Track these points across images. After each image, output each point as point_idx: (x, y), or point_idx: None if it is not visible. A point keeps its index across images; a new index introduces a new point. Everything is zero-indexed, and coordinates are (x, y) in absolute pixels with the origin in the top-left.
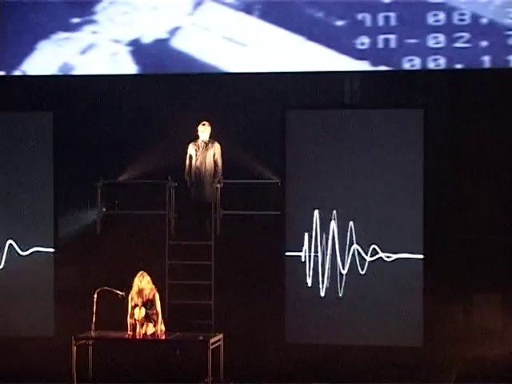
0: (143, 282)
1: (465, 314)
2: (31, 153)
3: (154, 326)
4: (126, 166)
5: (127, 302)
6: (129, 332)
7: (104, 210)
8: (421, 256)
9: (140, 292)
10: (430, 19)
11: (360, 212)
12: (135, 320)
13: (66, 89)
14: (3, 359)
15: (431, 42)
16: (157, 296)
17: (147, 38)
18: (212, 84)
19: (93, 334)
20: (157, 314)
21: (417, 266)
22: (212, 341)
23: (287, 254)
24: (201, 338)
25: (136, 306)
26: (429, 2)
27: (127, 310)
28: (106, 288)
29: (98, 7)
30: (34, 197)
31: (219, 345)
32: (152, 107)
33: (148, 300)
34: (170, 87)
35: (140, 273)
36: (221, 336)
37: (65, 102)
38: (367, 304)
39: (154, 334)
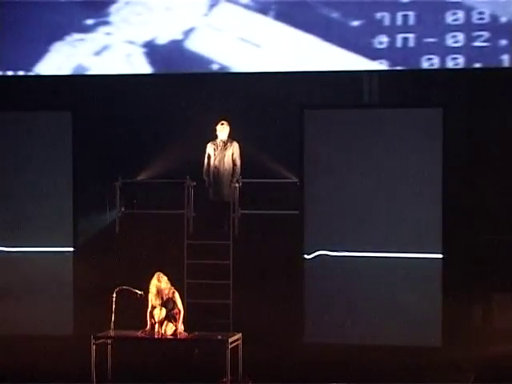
0: (162, 283)
1: (484, 313)
2: (50, 152)
3: (175, 324)
4: (145, 165)
5: (146, 301)
6: (146, 330)
7: (123, 209)
8: (440, 256)
9: (159, 293)
10: (449, 18)
11: (378, 211)
12: (154, 321)
13: (85, 89)
14: (23, 357)
15: (450, 41)
16: (177, 294)
17: (162, 39)
18: (231, 84)
19: (112, 333)
20: (179, 312)
21: (436, 265)
22: (230, 340)
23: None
24: (219, 337)
25: (154, 307)
26: (448, 1)
27: (146, 310)
28: (125, 287)
29: (113, 8)
30: (54, 196)
31: (238, 344)
32: (170, 107)
33: (168, 299)
34: (188, 87)
35: (157, 274)
36: (239, 335)
37: (84, 101)
38: (385, 304)
39: (173, 333)
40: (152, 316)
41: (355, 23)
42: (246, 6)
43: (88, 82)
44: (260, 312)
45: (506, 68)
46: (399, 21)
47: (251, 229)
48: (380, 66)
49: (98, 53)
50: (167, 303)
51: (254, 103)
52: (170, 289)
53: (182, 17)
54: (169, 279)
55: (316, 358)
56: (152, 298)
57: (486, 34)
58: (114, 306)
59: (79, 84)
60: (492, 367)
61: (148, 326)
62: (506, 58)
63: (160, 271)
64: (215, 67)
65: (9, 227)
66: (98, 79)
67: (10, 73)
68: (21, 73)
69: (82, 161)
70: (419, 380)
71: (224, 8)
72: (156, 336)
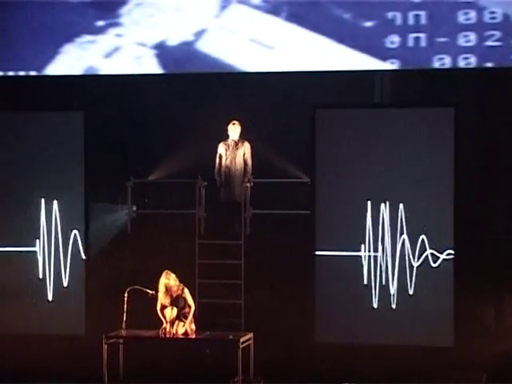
0: (170, 280)
1: (496, 313)
2: (62, 152)
3: (184, 324)
4: (156, 165)
5: (157, 300)
6: (164, 328)
7: (134, 209)
8: (451, 255)
9: (168, 291)
10: (461, 18)
11: (391, 210)
12: (166, 320)
13: (97, 88)
14: (34, 357)
15: (462, 41)
16: (186, 290)
17: (173, 41)
18: (242, 83)
19: (123, 332)
20: (189, 310)
21: (447, 264)
22: (242, 340)
23: (318, 253)
24: (231, 337)
25: (165, 307)
26: (460, 1)
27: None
28: (136, 287)
29: (123, 10)
30: (65, 196)
31: (249, 344)
32: (182, 107)
33: (178, 296)
34: (200, 87)
35: (165, 272)
36: (251, 335)
37: (96, 101)
38: (397, 303)
39: (184, 333)
40: (164, 315)
41: (368, 22)
42: (257, 8)
43: (100, 82)
44: (271, 312)
45: None
46: (411, 20)
47: (262, 229)
48: (391, 65)
49: (108, 55)
50: (177, 301)
51: (266, 103)
52: (178, 286)
53: (193, 18)
54: (180, 279)
55: (327, 358)
56: (161, 297)
57: (497, 34)
58: (125, 306)
59: (92, 84)
60: (504, 367)
61: (164, 324)
62: None
63: (168, 269)
64: (226, 68)
65: (21, 226)
66: (111, 79)
67: (22, 73)
68: (33, 73)
69: (94, 160)
70: (431, 380)
71: (235, 9)
72: (167, 336)
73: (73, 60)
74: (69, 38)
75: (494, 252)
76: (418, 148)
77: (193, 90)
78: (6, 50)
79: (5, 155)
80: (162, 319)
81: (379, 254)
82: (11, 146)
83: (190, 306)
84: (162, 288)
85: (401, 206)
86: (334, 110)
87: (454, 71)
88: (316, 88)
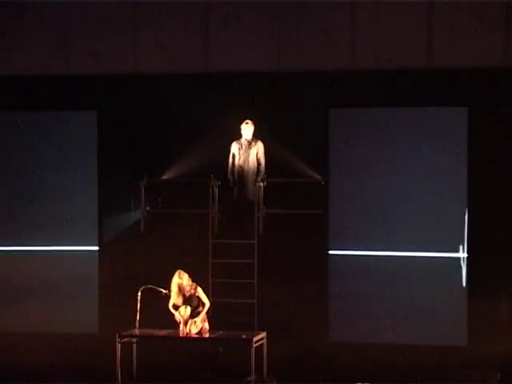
0: (184, 280)
1: (510, 312)
2: (75, 152)
3: (197, 323)
4: (170, 164)
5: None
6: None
7: (148, 208)
8: (465, 254)
9: (180, 290)
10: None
11: (403, 210)
12: (180, 319)
13: (110, 88)
14: (48, 356)
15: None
16: (199, 289)
17: (184, 40)
18: (255, 82)
19: (137, 331)
20: (203, 308)
21: (461, 264)
22: (255, 339)
23: (331, 252)
24: (244, 336)
25: (178, 306)
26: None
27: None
28: (149, 286)
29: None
30: (79, 195)
31: (262, 343)
32: (195, 106)
33: (191, 296)
34: (212, 86)
35: (178, 272)
36: (264, 334)
37: (109, 101)
38: (410, 303)
39: (198, 332)
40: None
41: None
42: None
43: (114, 81)
44: (284, 311)
45: None
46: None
47: (276, 228)
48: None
49: (124, 53)
50: (191, 300)
51: (279, 102)
52: (191, 285)
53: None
54: (194, 278)
55: (340, 357)
56: (174, 296)
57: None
58: (139, 305)
59: (105, 83)
60: None
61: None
62: None
63: (181, 269)
64: (237, 67)
65: (35, 226)
66: (123, 79)
67: (34, 72)
68: (45, 72)
69: (108, 160)
70: (444, 380)
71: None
72: (181, 335)
73: (88, 59)
74: (86, 35)
75: (507, 251)
76: (431, 147)
77: (206, 90)
78: (19, 51)
79: (18, 154)
80: (177, 316)
81: (392, 253)
82: (25, 144)
83: (203, 304)
84: (174, 288)
85: (414, 205)
86: (348, 109)
87: (468, 71)
88: (329, 87)
